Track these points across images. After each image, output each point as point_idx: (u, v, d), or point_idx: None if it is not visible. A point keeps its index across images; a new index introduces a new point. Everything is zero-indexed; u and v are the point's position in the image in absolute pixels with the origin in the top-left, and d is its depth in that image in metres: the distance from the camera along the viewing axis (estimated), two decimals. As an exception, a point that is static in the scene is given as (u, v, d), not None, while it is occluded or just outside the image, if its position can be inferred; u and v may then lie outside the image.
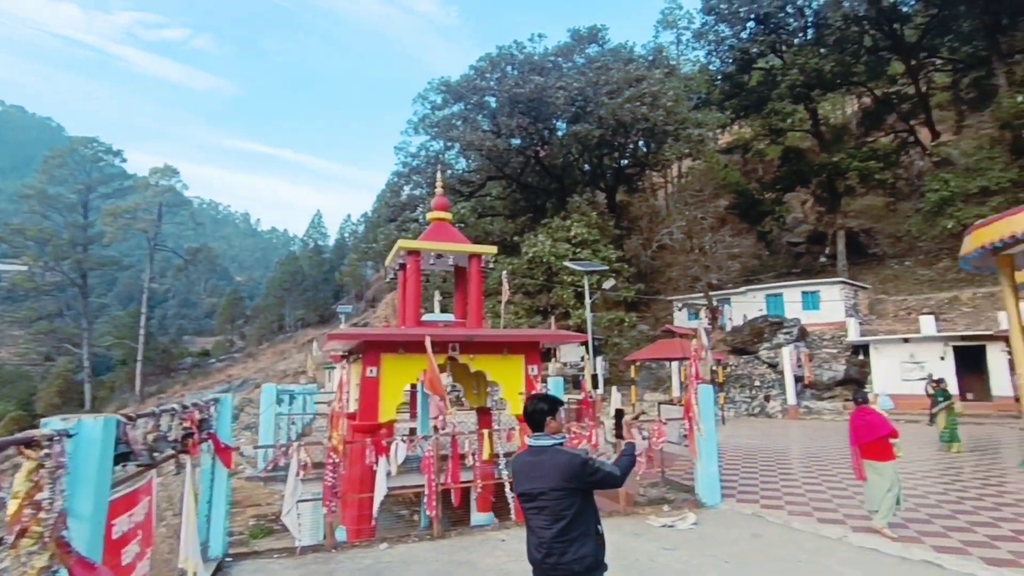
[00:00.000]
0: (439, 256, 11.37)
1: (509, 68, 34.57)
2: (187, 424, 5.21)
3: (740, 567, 5.96)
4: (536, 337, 10.12)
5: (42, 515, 2.41)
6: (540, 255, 28.92)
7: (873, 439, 6.96)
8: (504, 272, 19.40)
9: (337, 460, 7.16)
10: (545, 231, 31.20)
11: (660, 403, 12.25)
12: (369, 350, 8.90)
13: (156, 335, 69.08)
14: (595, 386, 13.10)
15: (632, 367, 23.87)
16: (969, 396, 21.82)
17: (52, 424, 2.88)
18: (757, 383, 25.67)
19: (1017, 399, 17.55)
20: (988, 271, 13.20)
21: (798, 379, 24.34)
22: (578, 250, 29.16)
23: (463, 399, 12.96)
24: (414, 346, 8.73)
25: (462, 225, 35.47)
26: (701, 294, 31.83)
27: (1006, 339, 15.67)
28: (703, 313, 32.11)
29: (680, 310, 34.23)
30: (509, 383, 9.78)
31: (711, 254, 31.28)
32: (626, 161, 42.46)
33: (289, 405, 15.63)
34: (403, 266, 10.87)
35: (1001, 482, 9.66)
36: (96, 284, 72.51)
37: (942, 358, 22.05)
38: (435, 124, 38.52)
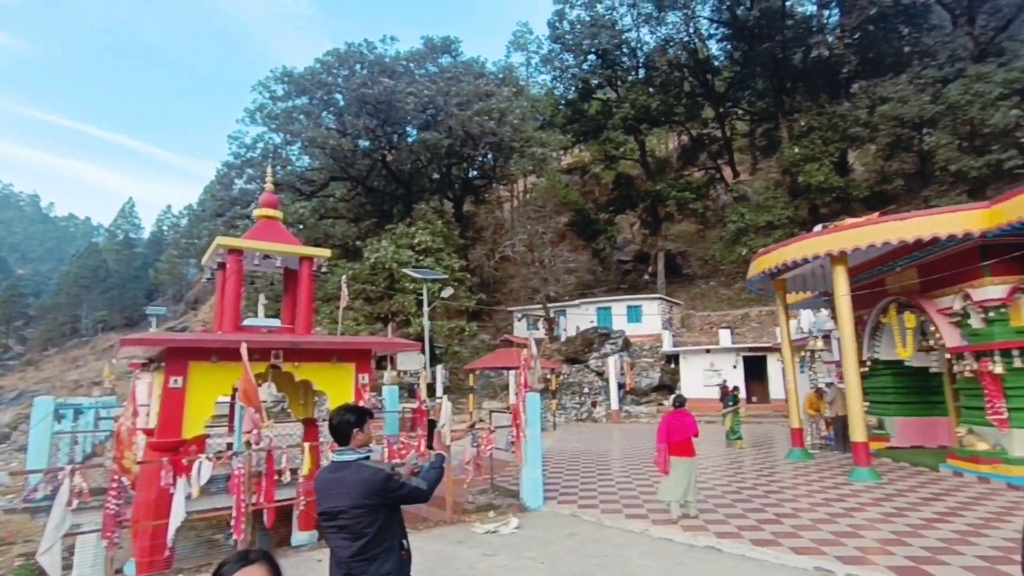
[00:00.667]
0: (266, 257, 10.56)
1: (358, 67, 33.50)
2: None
3: (553, 566, 6.26)
4: (367, 345, 9.79)
5: None
6: (383, 261, 28.26)
7: (684, 438, 7.84)
8: (344, 277, 18.61)
9: (125, 483, 6.24)
10: (389, 237, 30.59)
11: (491, 411, 12.52)
12: (174, 357, 7.94)
13: None
14: (432, 395, 13.05)
15: (471, 375, 24.22)
16: (754, 399, 25.50)
17: None
18: (586, 390, 27.52)
19: (787, 401, 20.90)
20: (768, 293, 15.51)
21: (621, 386, 26.54)
22: (422, 258, 29.01)
23: (288, 410, 12.11)
24: (229, 353, 7.96)
25: (300, 226, 33.47)
26: (540, 305, 33.38)
27: (780, 350, 18.72)
28: (540, 324, 33.75)
29: (520, 320, 35.57)
30: (337, 393, 9.35)
31: (550, 267, 33.00)
32: (475, 172, 43.28)
33: (73, 422, 13.36)
34: (222, 265, 9.90)
35: (771, 472, 11.35)
36: None
37: (735, 366, 25.52)
38: (275, 116, 36.00)
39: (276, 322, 10.82)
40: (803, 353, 19.48)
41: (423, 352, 21.00)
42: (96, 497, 7.53)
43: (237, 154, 37.48)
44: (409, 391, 22.45)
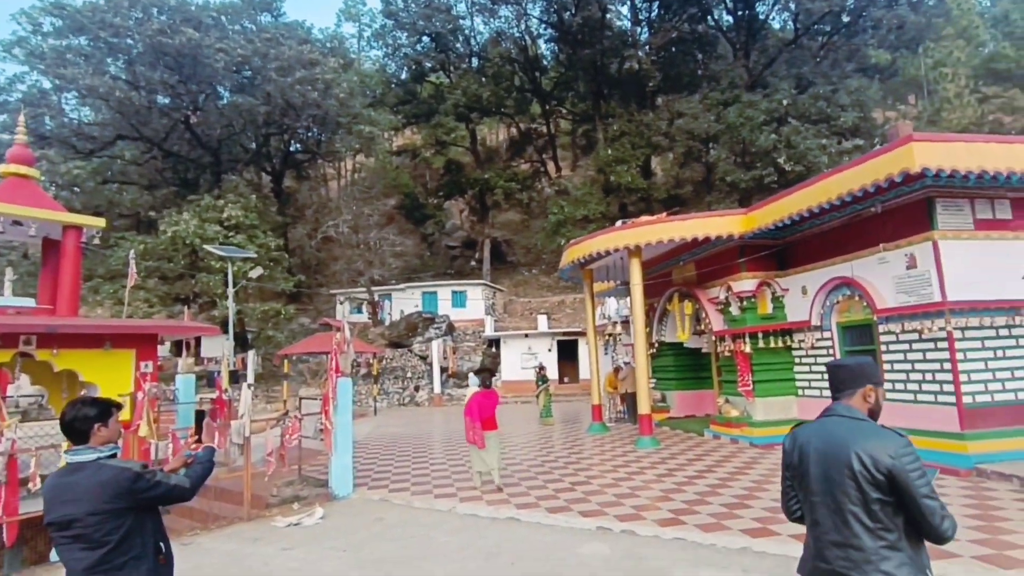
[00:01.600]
0: (16, 223, 8.79)
1: (155, 11, 29.10)
2: None
3: (356, 554, 6.15)
4: (149, 328, 8.67)
5: None
6: (183, 236, 25.13)
7: (491, 414, 8.55)
8: (132, 252, 16.19)
9: None
10: (193, 209, 27.27)
11: (302, 398, 11.91)
12: None
13: None
14: (234, 382, 11.97)
15: (285, 361, 22.72)
16: (566, 379, 27.58)
17: None
18: (409, 374, 27.44)
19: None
20: (578, 281, 16.80)
21: (444, 370, 26.92)
22: (232, 234, 26.36)
23: (46, 405, 10.23)
24: (-47, 340, 6.49)
25: (76, 190, 28.44)
26: (364, 289, 32.42)
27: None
28: (364, 307, 32.82)
29: (342, 303, 34.21)
30: (111, 383, 8.16)
31: (376, 250, 32.17)
32: (297, 146, 40.38)
33: None
34: (-52, 231, 8.02)
35: (572, 445, 12.39)
36: None
37: (550, 350, 27.33)
38: (41, 54, 29.81)
39: (30, 301, 9.08)
40: (607, 336, 21.54)
41: (226, 336, 19.21)
42: None
43: (-14, 96, 30.49)
44: (209, 380, 20.39)
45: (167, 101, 31.96)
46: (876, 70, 37.20)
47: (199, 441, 3.43)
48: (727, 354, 12.02)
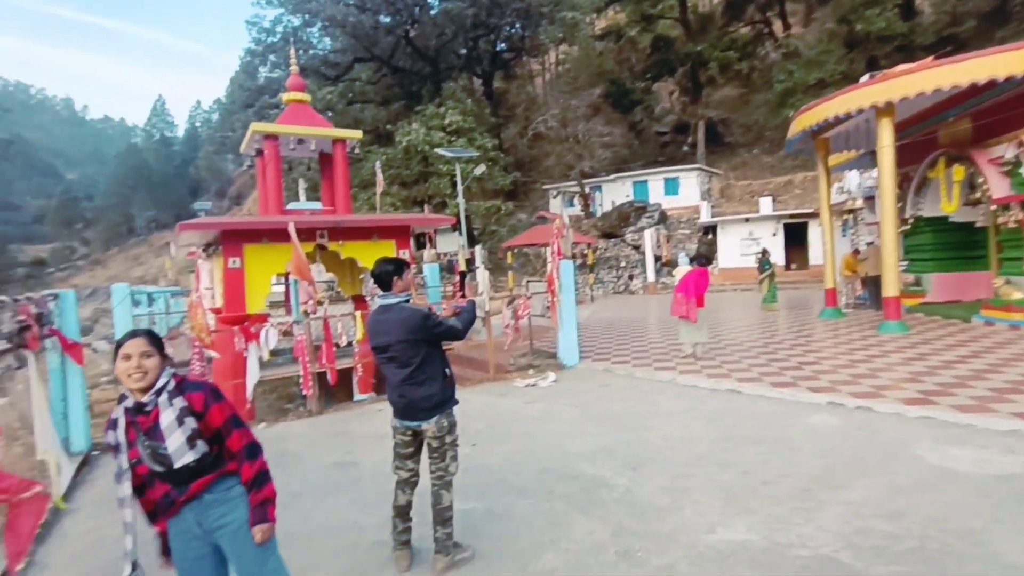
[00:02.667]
0: (300, 141, 10.83)
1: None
2: (22, 317, 4.92)
3: (587, 410, 6.96)
4: (404, 221, 10.23)
5: None
6: (415, 143, 28.06)
7: (702, 292, 8.83)
8: (378, 162, 18.77)
9: (201, 348, 7.11)
10: (420, 119, 30.07)
11: (528, 281, 13.07)
12: (229, 241, 8.57)
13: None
14: (470, 269, 13.62)
15: (509, 253, 24.80)
16: (793, 266, 25.43)
17: None
18: (623, 264, 27.89)
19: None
20: (809, 154, 14.94)
21: (657, 258, 26.75)
22: (454, 138, 28.63)
23: (338, 290, 12.94)
24: (278, 235, 8.53)
25: (330, 112, 33.12)
26: (575, 182, 32.99)
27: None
28: (576, 200, 33.57)
29: (555, 197, 35.41)
30: (381, 268, 9.95)
31: (585, 142, 32.13)
32: (503, 45, 41.03)
33: (148, 307, 14.69)
34: (260, 152, 10.24)
35: (800, 329, 11.73)
36: None
37: (774, 234, 25.21)
38: (288, -1, 34.35)
39: (318, 204, 11.31)
40: (845, 215, 19.07)
41: (458, 229, 21.51)
42: (180, 370, 8.60)
43: (258, 40, 36.44)
44: (448, 268, 23.30)
45: (388, 19, 34.65)
46: None
47: (463, 296, 4.18)
48: (1012, 225, 9.91)
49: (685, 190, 30.77)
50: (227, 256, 8.59)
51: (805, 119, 11.95)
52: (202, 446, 2.15)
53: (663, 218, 28.69)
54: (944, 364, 7.59)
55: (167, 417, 2.08)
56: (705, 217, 28.17)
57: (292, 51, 12.59)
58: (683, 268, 10.81)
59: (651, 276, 26.28)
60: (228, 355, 8.02)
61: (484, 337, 10.30)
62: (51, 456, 5.00)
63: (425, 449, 3.47)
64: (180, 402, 2.12)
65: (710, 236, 27.80)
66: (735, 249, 25.98)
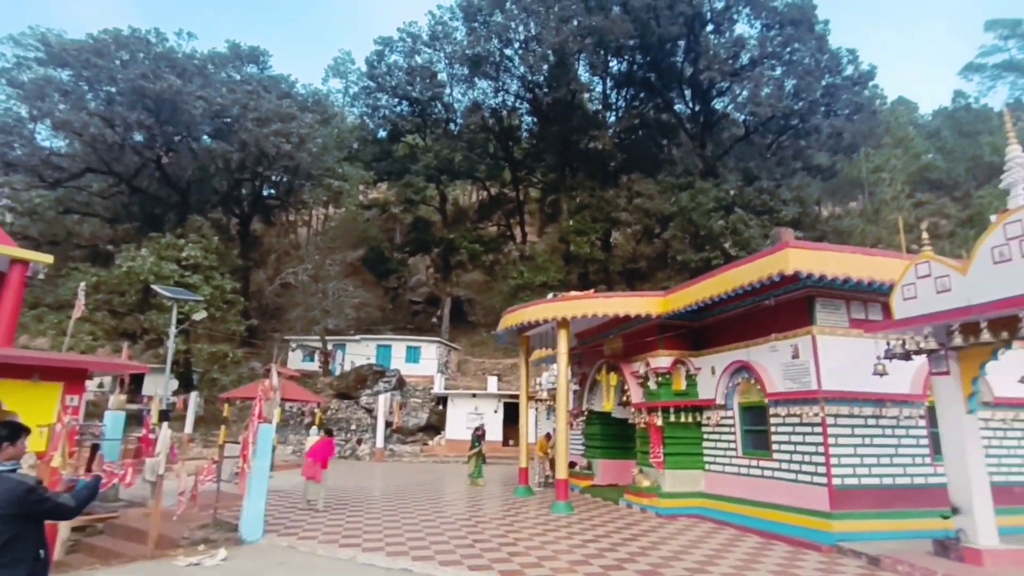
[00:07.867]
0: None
1: (141, 55, 30.22)
2: None
3: (245, 594, 6.46)
4: (80, 363, 9.01)
5: None
6: (138, 271, 25.19)
7: (326, 457, 11.74)
8: (82, 284, 16.43)
9: None
10: (152, 246, 27.45)
11: (225, 442, 12.15)
12: None
13: None
14: (164, 420, 12.07)
15: (227, 405, 22.56)
16: (511, 442, 27.79)
17: None
18: (353, 427, 27.31)
19: (517, 444, 23.35)
20: (516, 345, 17.52)
21: (388, 424, 26.92)
22: (188, 274, 26.53)
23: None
24: None
25: (33, 217, 28.44)
26: (318, 337, 32.51)
27: (535, 398, 21.24)
28: (317, 356, 32.81)
29: (294, 350, 34.14)
30: (35, 414, 8.41)
31: (335, 300, 32.51)
32: (270, 191, 41.20)
33: None
34: None
35: (492, 507, 12.74)
36: None
37: (496, 411, 27.67)
38: (21, 84, 30.43)
39: (-37, 329, 9.34)
40: (548, 402, 22.11)
41: (170, 375, 19.19)
42: None
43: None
44: (139, 419, 20.15)
45: (141, 139, 32.57)
46: (819, 170, 40.37)
47: (89, 471, 4.00)
48: (642, 425, 12.75)
49: (425, 360, 32.54)
50: None
51: (510, 319, 14.29)
52: None
53: (400, 384, 29.52)
54: (581, 543, 9.00)
55: None
56: (439, 388, 29.81)
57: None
58: (313, 438, 13.71)
59: (380, 442, 26.12)
60: None
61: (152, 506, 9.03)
62: None
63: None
64: None
65: (441, 407, 29.24)
66: (462, 421, 27.62)
